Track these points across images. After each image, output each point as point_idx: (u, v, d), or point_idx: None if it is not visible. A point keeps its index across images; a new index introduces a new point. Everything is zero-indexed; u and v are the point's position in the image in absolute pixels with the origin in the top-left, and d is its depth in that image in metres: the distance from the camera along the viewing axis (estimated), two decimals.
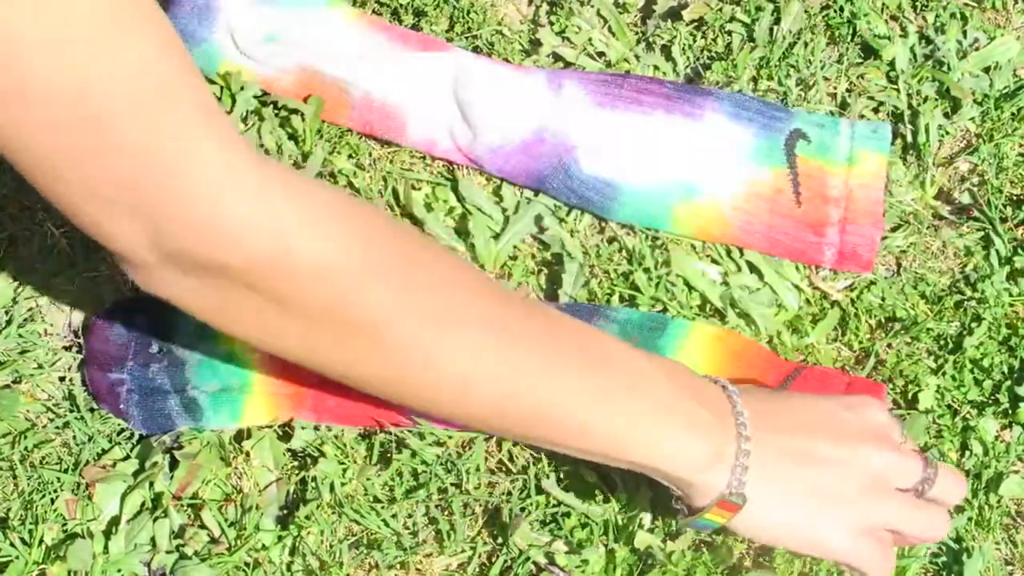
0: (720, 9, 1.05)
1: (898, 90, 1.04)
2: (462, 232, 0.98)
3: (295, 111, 0.98)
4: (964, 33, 1.06)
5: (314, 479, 0.88)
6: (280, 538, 0.87)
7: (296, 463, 0.90)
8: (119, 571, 0.85)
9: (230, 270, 0.62)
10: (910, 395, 0.94)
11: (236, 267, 0.62)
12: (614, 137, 0.99)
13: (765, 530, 0.75)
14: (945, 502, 0.79)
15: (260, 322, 0.66)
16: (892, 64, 1.04)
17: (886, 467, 0.75)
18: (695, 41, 1.05)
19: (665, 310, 0.95)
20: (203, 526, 0.87)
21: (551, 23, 1.05)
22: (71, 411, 0.90)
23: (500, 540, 0.88)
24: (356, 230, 0.66)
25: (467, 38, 1.04)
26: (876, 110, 1.04)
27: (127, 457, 0.88)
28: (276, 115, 0.99)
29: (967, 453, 0.92)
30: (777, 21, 1.05)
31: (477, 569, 0.88)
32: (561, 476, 0.89)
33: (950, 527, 0.78)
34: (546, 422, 0.74)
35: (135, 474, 0.87)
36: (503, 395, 0.72)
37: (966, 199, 1.01)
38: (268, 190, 0.62)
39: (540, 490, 0.89)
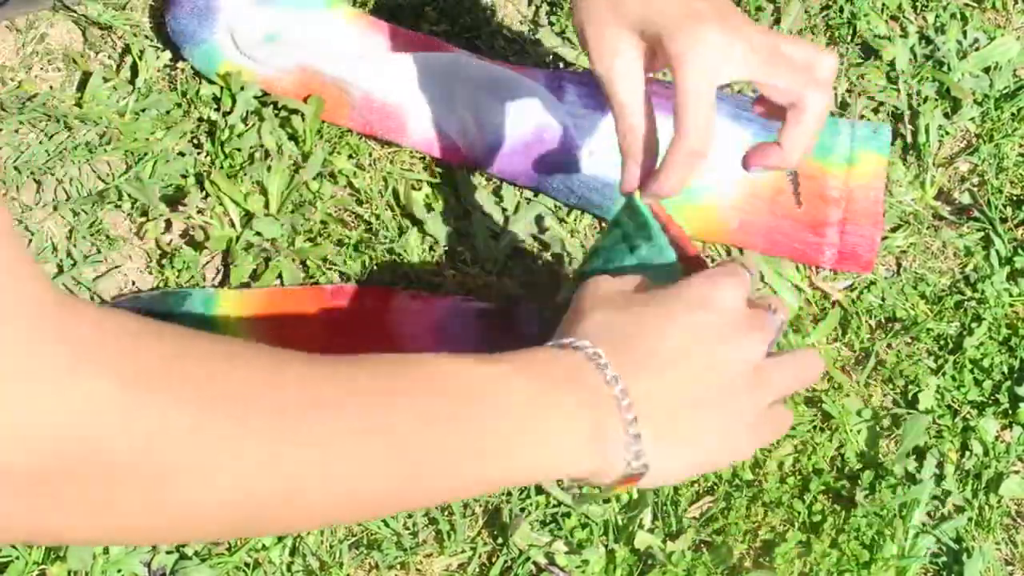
0: None
1: (898, 90, 1.04)
2: (462, 232, 0.98)
3: (295, 111, 0.98)
4: (964, 33, 1.06)
5: None
6: (280, 538, 0.86)
7: None
8: (119, 571, 0.85)
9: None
10: (910, 395, 0.94)
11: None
12: (614, 137, 0.99)
13: (672, 478, 0.68)
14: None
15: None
16: (892, 64, 1.04)
17: (757, 350, 0.67)
18: None
19: None
20: None
21: (551, 23, 1.05)
22: None
23: (500, 540, 0.88)
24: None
25: (467, 38, 1.04)
26: (876, 110, 1.04)
27: None
28: (276, 115, 0.98)
29: (967, 453, 0.92)
30: (777, 21, 1.05)
31: (477, 569, 0.88)
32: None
33: (822, 362, 0.72)
34: (420, 495, 0.62)
35: None
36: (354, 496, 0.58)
37: (966, 199, 1.01)
38: None
39: (540, 490, 0.89)
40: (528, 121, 0.98)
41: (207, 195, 0.96)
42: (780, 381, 0.69)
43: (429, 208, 0.98)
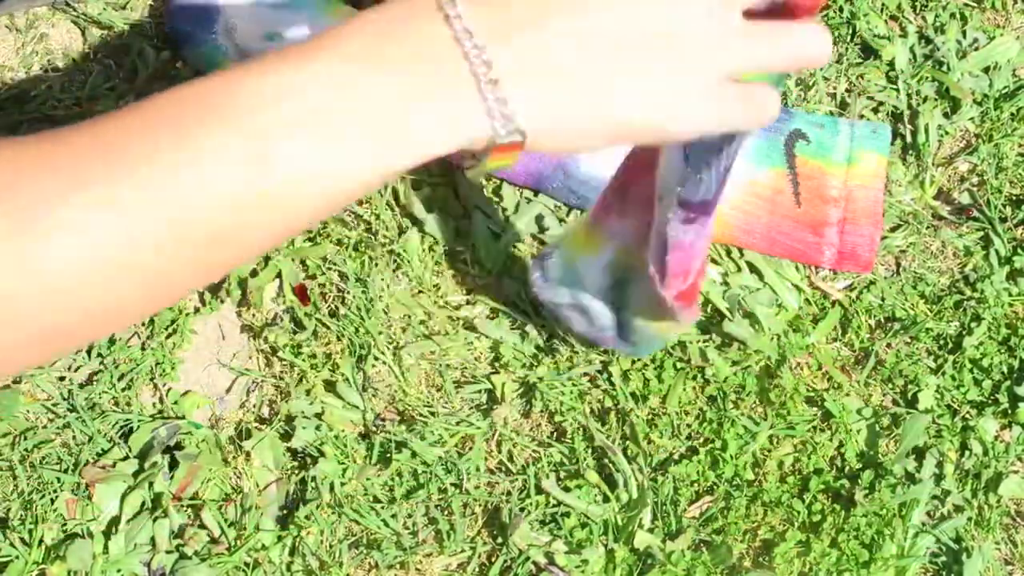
0: None
1: (898, 90, 1.04)
2: (462, 232, 0.98)
3: None
4: (964, 33, 1.06)
5: (314, 479, 0.88)
6: (280, 538, 0.87)
7: (296, 463, 0.90)
8: (119, 571, 0.85)
9: None
10: (910, 395, 0.94)
11: None
12: None
13: (576, 136, 0.54)
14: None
15: None
16: (892, 64, 1.04)
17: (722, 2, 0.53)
18: None
19: None
20: (203, 526, 0.87)
21: None
22: (71, 411, 0.90)
23: (500, 540, 0.88)
24: None
25: None
26: (876, 110, 1.04)
27: (127, 457, 0.88)
28: None
29: (967, 453, 0.92)
30: None
31: (477, 569, 0.88)
32: (561, 476, 0.89)
33: (829, 40, 0.55)
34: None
35: (135, 474, 0.87)
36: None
37: (965, 199, 1.01)
38: None
39: (540, 490, 0.89)
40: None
41: None
42: (755, 47, 0.54)
43: (429, 208, 0.98)
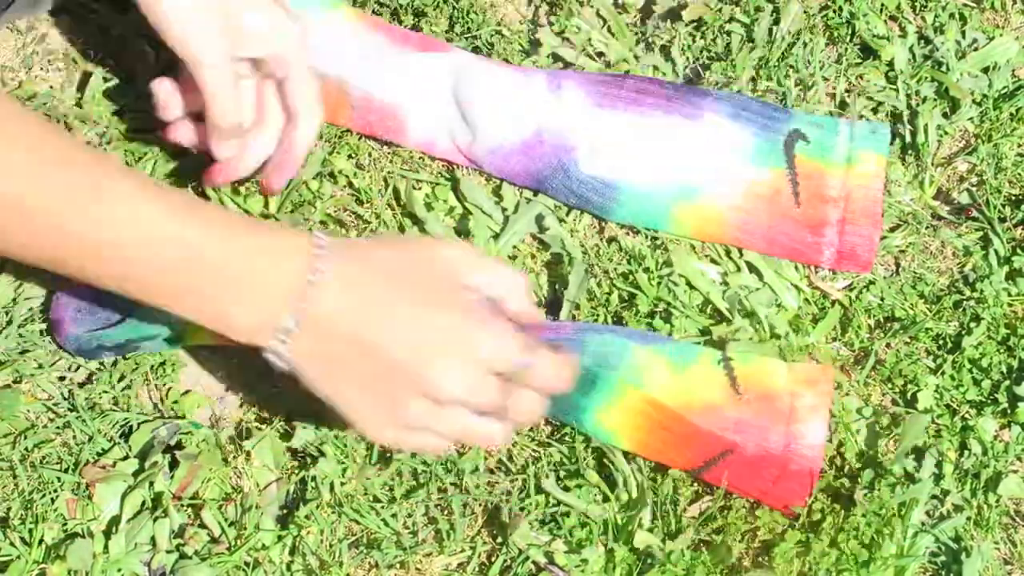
0: (719, 9, 1.05)
1: (897, 90, 1.04)
2: (462, 232, 0.98)
3: None
4: (963, 33, 1.06)
5: (314, 479, 0.88)
6: (280, 537, 0.87)
7: (296, 462, 0.90)
8: (119, 571, 0.85)
9: None
10: (909, 395, 0.94)
11: None
12: (613, 138, 0.99)
13: (316, 397, 0.74)
14: (543, 388, 0.77)
15: None
16: (891, 64, 1.05)
17: (490, 360, 0.72)
18: (694, 41, 1.05)
19: (667, 310, 0.95)
20: (203, 526, 0.87)
21: (551, 23, 1.06)
22: (71, 411, 0.90)
23: (500, 540, 0.88)
24: None
25: (467, 38, 1.04)
26: (875, 110, 1.04)
27: (127, 457, 0.89)
28: None
29: (966, 453, 0.92)
30: (776, 21, 1.05)
31: (477, 568, 0.88)
32: (561, 476, 0.90)
33: (544, 408, 0.77)
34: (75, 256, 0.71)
35: (135, 474, 0.87)
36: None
37: (965, 199, 1.01)
38: None
39: (540, 490, 0.89)
40: (527, 122, 0.98)
41: (205, 194, 0.96)
42: (448, 422, 0.74)
43: (429, 208, 0.98)
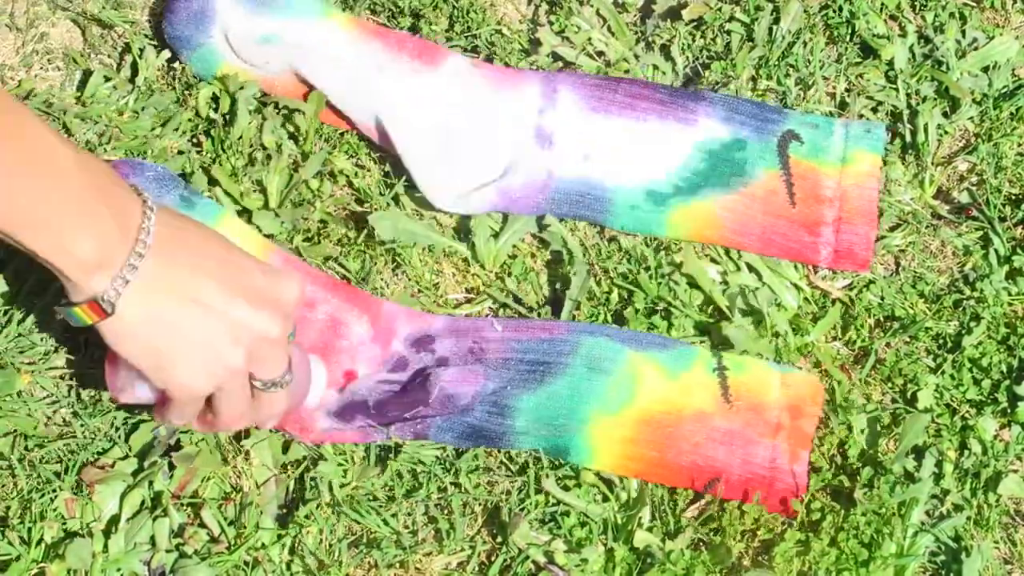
0: (719, 9, 1.05)
1: (897, 89, 1.04)
2: (462, 231, 0.98)
3: (296, 110, 0.98)
4: (963, 33, 1.06)
5: (313, 479, 0.88)
6: (279, 537, 0.87)
7: (296, 461, 0.90)
8: (119, 570, 0.85)
9: None
10: (909, 394, 0.94)
11: None
12: (607, 142, 0.99)
13: (127, 349, 0.75)
14: (259, 418, 0.81)
15: None
16: (891, 64, 1.05)
17: (261, 345, 0.76)
18: (694, 41, 1.05)
19: (667, 309, 0.95)
20: (203, 525, 0.87)
21: (550, 23, 1.06)
22: (71, 410, 0.90)
23: (499, 539, 0.88)
24: None
25: (466, 38, 1.04)
26: (875, 109, 1.04)
27: (127, 456, 0.88)
28: (277, 113, 0.99)
29: (966, 452, 0.92)
30: (776, 21, 1.05)
31: (476, 568, 0.88)
32: (561, 476, 0.89)
33: (243, 425, 0.81)
34: None
35: (135, 473, 0.87)
36: None
37: (965, 198, 1.01)
38: None
39: (539, 489, 0.89)
40: (514, 178, 0.98)
41: (206, 193, 0.96)
42: (242, 393, 0.78)
43: (429, 207, 0.98)
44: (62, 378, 0.91)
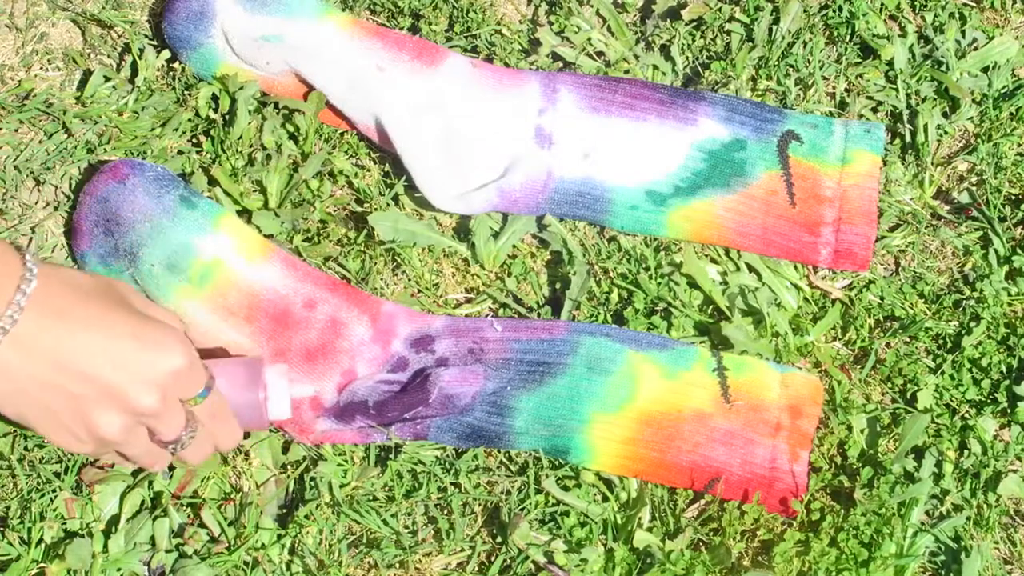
0: (719, 9, 1.05)
1: (897, 90, 1.04)
2: (462, 231, 0.98)
3: (296, 109, 0.98)
4: (963, 33, 1.06)
5: (313, 479, 0.88)
6: (279, 537, 0.87)
7: (296, 461, 0.90)
8: (119, 570, 0.85)
9: None
10: (909, 394, 0.94)
11: None
12: (607, 143, 0.99)
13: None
14: (183, 458, 0.80)
15: None
16: (891, 64, 1.05)
17: (147, 412, 0.74)
18: (694, 41, 1.05)
19: (667, 309, 0.95)
20: (203, 525, 0.87)
21: (550, 23, 1.06)
22: None
23: (499, 539, 0.88)
24: None
25: (466, 38, 1.04)
26: (875, 110, 1.04)
27: None
28: (277, 113, 0.99)
29: (966, 452, 0.92)
30: (776, 21, 1.05)
31: (476, 568, 0.88)
32: (561, 476, 0.89)
33: (165, 465, 0.81)
34: None
35: (135, 473, 0.87)
36: None
37: (965, 199, 1.01)
38: None
39: (539, 489, 0.89)
40: (514, 177, 0.98)
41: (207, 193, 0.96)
42: (142, 450, 0.77)
43: (428, 206, 0.98)
44: None
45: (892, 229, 1.00)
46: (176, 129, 0.98)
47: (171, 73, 1.00)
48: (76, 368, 0.72)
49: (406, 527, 0.88)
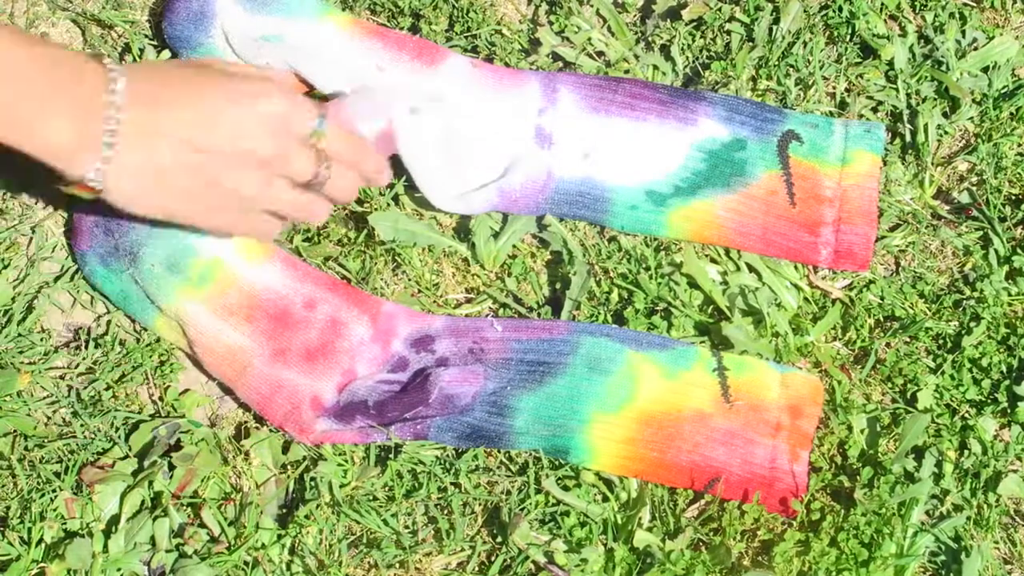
0: (719, 9, 1.05)
1: (897, 90, 1.04)
2: (462, 231, 0.98)
3: None
4: (963, 33, 1.06)
5: (313, 479, 0.88)
6: (279, 537, 0.87)
7: (296, 461, 0.90)
8: (119, 570, 0.85)
9: None
10: (909, 394, 0.94)
11: None
12: (608, 142, 0.99)
13: (135, 205, 0.76)
14: (334, 198, 0.84)
15: None
16: (891, 64, 1.05)
17: (273, 160, 0.77)
18: (694, 41, 1.05)
19: (667, 309, 0.95)
20: (203, 525, 0.87)
21: (550, 23, 1.06)
22: (71, 410, 0.90)
23: (499, 539, 0.88)
24: None
25: (466, 38, 1.04)
26: (875, 110, 1.04)
27: (127, 456, 0.89)
28: None
29: (966, 452, 0.92)
30: (776, 21, 1.05)
31: (476, 568, 0.88)
32: (561, 476, 0.89)
33: (328, 214, 0.84)
34: None
35: (135, 473, 0.87)
36: None
37: (965, 198, 1.01)
38: None
39: (539, 489, 0.89)
40: (514, 177, 0.98)
41: None
42: (290, 200, 0.79)
43: (429, 206, 0.98)
44: (62, 378, 0.91)
45: (892, 229, 1.00)
46: None
47: None
48: (191, 145, 0.74)
49: (406, 527, 0.88)
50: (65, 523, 0.86)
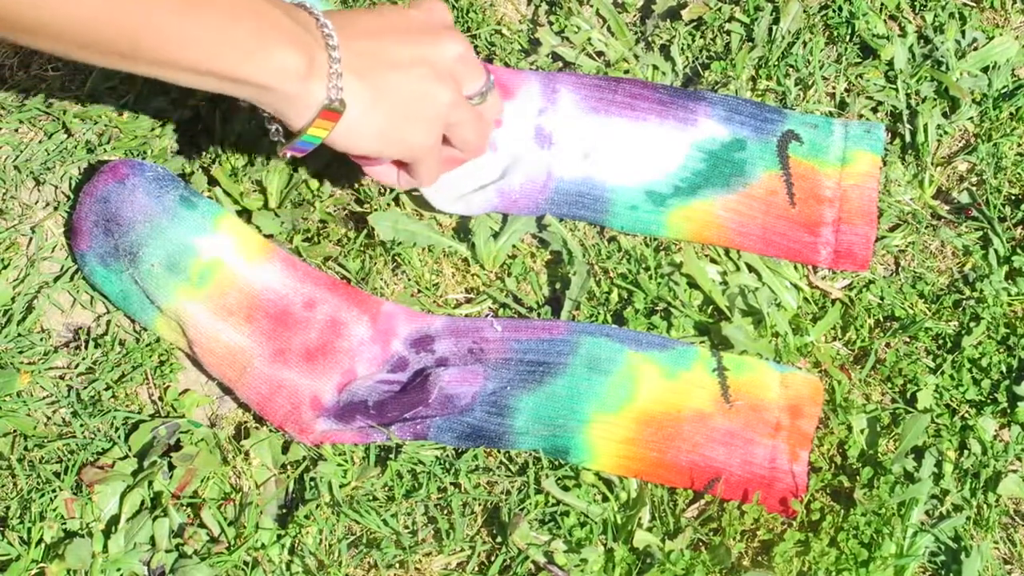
0: (719, 9, 1.05)
1: (897, 90, 1.04)
2: (462, 231, 0.98)
3: None
4: (963, 33, 1.06)
5: (313, 479, 0.88)
6: (279, 537, 0.87)
7: (296, 461, 0.90)
8: (118, 570, 0.85)
9: None
10: (909, 394, 0.94)
11: None
12: (607, 143, 0.99)
13: (362, 137, 0.80)
14: (488, 115, 0.89)
15: None
16: (891, 64, 1.05)
17: (457, 66, 0.83)
18: (694, 41, 1.05)
19: (667, 310, 0.95)
20: (203, 525, 0.87)
21: (550, 23, 1.06)
22: (70, 410, 0.90)
23: (499, 539, 0.88)
24: None
25: (467, 37, 1.04)
26: (875, 110, 1.04)
27: (126, 456, 0.89)
28: None
29: (966, 452, 0.92)
30: (776, 21, 1.05)
31: (476, 568, 0.88)
32: (560, 476, 0.90)
33: (485, 144, 0.89)
34: (146, 30, 0.73)
35: (134, 473, 0.87)
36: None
37: (965, 199, 1.01)
38: None
39: (539, 489, 0.89)
40: (514, 178, 0.98)
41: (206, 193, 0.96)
42: (466, 119, 0.85)
43: (428, 206, 0.98)
44: (62, 378, 0.91)
45: (892, 229, 1.00)
46: (176, 129, 0.98)
47: None
48: (396, 59, 0.80)
49: (406, 527, 0.88)
50: (65, 523, 0.86)
